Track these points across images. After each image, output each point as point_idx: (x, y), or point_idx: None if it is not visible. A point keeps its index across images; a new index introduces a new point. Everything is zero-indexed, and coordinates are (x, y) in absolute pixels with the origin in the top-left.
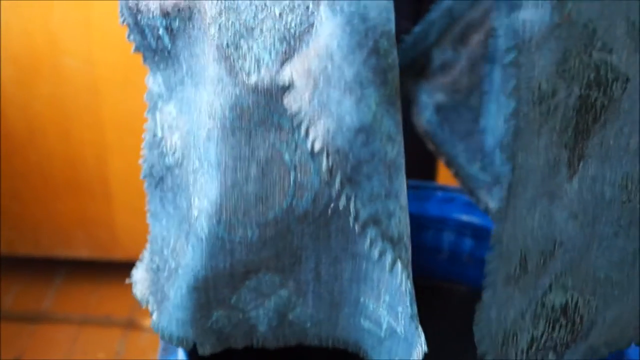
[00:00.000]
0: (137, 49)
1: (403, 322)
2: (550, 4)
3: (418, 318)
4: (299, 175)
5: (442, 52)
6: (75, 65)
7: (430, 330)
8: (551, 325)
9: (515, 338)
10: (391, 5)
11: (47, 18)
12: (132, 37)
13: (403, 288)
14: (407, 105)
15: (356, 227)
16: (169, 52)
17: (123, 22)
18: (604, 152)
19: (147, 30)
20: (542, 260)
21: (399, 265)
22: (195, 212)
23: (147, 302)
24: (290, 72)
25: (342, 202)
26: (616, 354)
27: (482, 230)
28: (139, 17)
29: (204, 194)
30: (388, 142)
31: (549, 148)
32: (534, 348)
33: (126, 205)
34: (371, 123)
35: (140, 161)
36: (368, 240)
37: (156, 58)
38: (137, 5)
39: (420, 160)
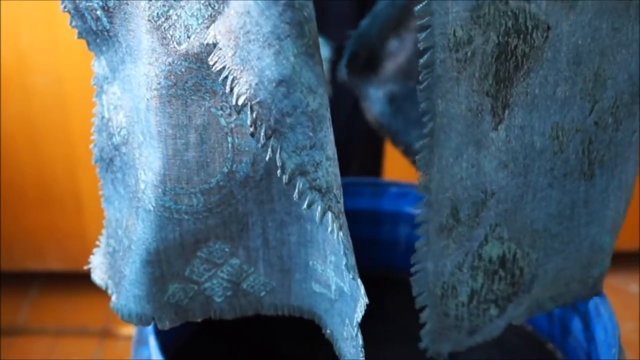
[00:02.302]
0: (80, 35)
1: (347, 278)
2: None
3: (356, 269)
4: (236, 139)
5: (387, 42)
6: (43, 82)
7: (390, 321)
8: (490, 277)
9: (454, 291)
10: None
11: (15, 38)
12: (74, 23)
13: (335, 238)
14: (357, 101)
15: (284, 179)
16: (108, 33)
17: (64, 9)
18: (530, 101)
19: (86, 14)
20: (474, 211)
21: (329, 215)
22: (142, 186)
23: (107, 286)
24: (214, 33)
25: (269, 154)
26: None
27: None
28: (77, 2)
29: (148, 166)
30: (309, 93)
31: (470, 96)
32: (474, 301)
33: (97, 217)
34: (291, 75)
35: (91, 146)
36: (297, 192)
37: (98, 41)
38: None
39: (366, 157)
